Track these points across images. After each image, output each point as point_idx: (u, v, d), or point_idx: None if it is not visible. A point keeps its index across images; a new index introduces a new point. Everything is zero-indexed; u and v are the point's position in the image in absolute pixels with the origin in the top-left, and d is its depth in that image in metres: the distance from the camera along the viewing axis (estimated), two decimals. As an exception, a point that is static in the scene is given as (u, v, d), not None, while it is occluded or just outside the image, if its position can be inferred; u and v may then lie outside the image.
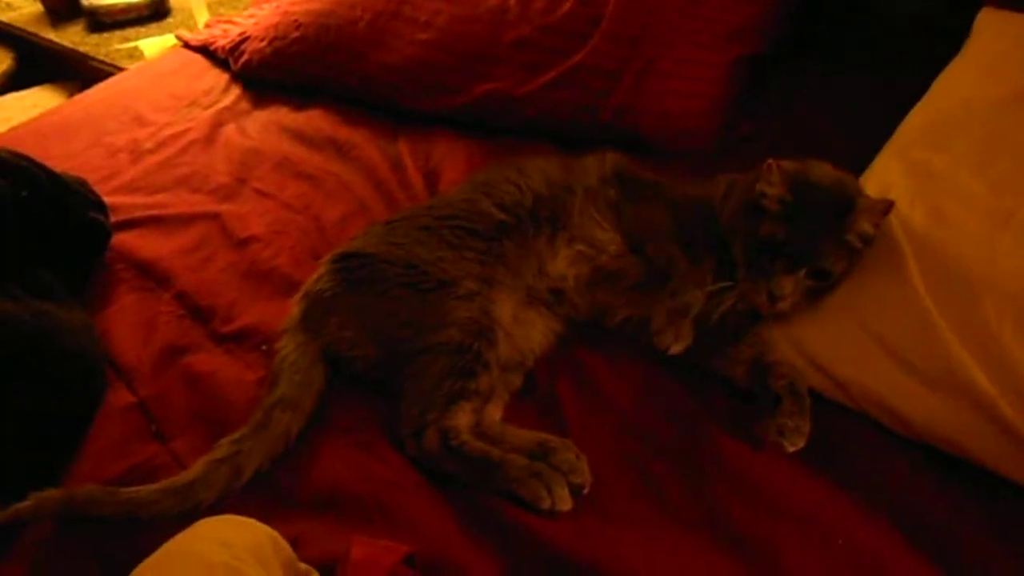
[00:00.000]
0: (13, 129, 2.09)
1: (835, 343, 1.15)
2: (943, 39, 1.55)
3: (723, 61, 1.67)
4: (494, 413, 1.20)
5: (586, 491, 1.08)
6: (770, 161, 1.19)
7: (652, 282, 1.26)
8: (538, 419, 1.20)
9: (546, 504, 1.06)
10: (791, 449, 1.09)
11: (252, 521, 0.94)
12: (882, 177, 1.28)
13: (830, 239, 1.15)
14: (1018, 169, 1.20)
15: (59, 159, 1.80)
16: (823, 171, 1.22)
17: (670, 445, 1.14)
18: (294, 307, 1.31)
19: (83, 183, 1.59)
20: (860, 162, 1.36)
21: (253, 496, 1.10)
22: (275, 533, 0.93)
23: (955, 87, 1.43)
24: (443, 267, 1.26)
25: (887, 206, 1.17)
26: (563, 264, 1.32)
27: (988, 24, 1.52)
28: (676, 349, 1.17)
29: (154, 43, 2.78)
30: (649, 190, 1.37)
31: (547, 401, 1.23)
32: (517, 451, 1.12)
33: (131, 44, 2.76)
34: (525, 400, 1.24)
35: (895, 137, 1.38)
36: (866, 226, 1.16)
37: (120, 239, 1.61)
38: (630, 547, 1.02)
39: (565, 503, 1.06)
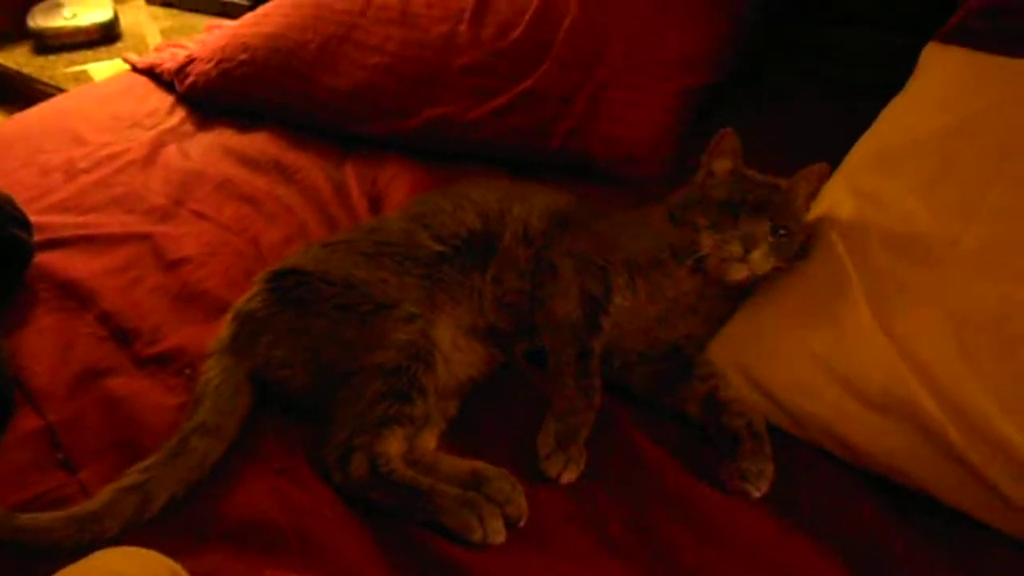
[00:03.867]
0: (-56, 147, 2.01)
1: (782, 368, 1.11)
2: (895, 73, 1.56)
3: (674, 89, 1.66)
4: (429, 441, 1.14)
5: (522, 524, 1.02)
6: (728, 129, 1.24)
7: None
8: (477, 449, 1.14)
9: (477, 536, 0.99)
10: (756, 495, 1.04)
11: (152, 553, 0.86)
12: (830, 203, 1.27)
13: (781, 197, 1.19)
14: (963, 196, 1.19)
15: (-12, 177, 1.73)
16: None
17: (613, 474, 1.09)
18: (223, 327, 1.24)
19: (7, 199, 1.51)
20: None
21: (162, 528, 1.02)
22: (177, 566, 0.85)
23: (902, 118, 1.43)
24: (384, 289, 1.20)
25: (822, 170, 1.22)
26: (491, 305, 1.27)
27: (934, 58, 1.52)
28: (568, 478, 1.08)
29: (104, 67, 2.73)
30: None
31: (485, 429, 1.17)
32: (450, 480, 1.06)
33: (79, 68, 2.70)
34: (462, 430, 1.18)
35: (843, 165, 1.37)
36: (807, 188, 1.22)
37: (44, 258, 1.53)
38: (567, 583, 0.96)
39: (498, 535, 1.00)
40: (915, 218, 1.18)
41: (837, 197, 1.28)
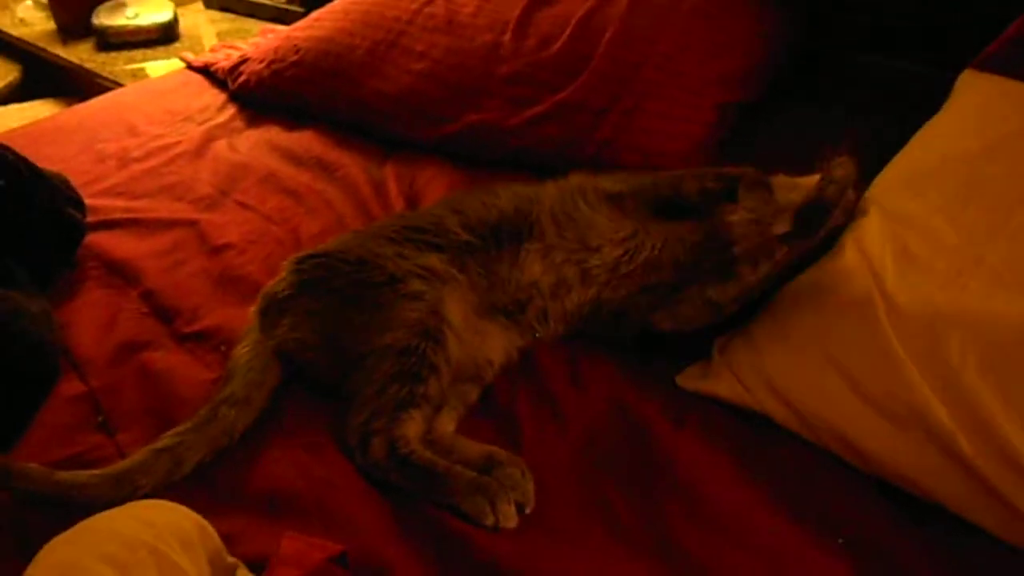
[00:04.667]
0: (8, 132, 2.12)
1: (800, 374, 1.13)
2: (928, 98, 1.57)
3: (709, 105, 1.68)
4: (447, 424, 1.17)
5: (528, 511, 1.05)
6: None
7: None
8: (495, 435, 1.17)
9: (489, 520, 1.02)
10: (822, 233, 1.16)
11: (181, 507, 0.90)
12: (859, 221, 1.29)
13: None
14: (989, 217, 1.20)
15: (48, 161, 1.80)
16: None
17: (627, 466, 1.11)
18: (253, 307, 1.30)
19: (63, 180, 1.60)
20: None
21: (189, 490, 1.07)
22: (204, 522, 0.90)
23: (933, 141, 1.44)
24: (397, 262, 1.23)
25: None
26: (538, 274, 1.29)
27: (968, 84, 1.54)
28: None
29: (161, 66, 2.82)
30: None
31: (504, 416, 1.20)
32: (466, 463, 1.09)
33: (137, 65, 2.80)
34: (482, 416, 1.21)
35: (872, 186, 1.39)
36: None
37: (95, 238, 1.61)
38: (574, 567, 0.99)
39: (510, 520, 1.03)
40: (940, 237, 1.19)
41: (866, 215, 1.30)
